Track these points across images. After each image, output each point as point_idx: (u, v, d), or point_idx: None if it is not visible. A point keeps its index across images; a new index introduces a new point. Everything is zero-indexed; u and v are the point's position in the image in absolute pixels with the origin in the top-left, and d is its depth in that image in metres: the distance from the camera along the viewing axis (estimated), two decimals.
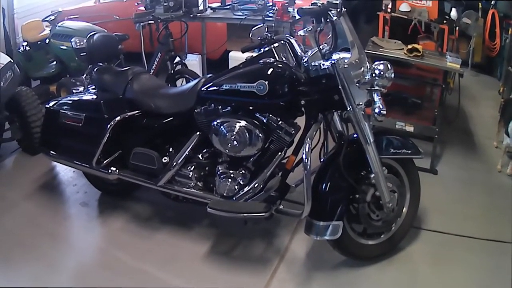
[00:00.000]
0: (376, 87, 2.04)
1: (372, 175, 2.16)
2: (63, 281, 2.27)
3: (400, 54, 3.11)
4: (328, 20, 1.99)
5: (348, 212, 2.21)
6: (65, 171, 3.23)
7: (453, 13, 3.46)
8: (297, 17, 3.27)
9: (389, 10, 3.51)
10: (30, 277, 2.28)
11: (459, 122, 3.87)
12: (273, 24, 2.55)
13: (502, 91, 4.34)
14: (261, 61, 2.15)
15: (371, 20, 3.87)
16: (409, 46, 3.11)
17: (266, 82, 2.09)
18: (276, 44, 2.28)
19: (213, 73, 2.50)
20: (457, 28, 3.59)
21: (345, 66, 2.00)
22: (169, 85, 3.59)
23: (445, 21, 3.48)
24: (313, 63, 2.13)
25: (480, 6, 4.78)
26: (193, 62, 4.38)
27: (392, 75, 2.06)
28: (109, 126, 2.45)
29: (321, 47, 2.16)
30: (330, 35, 2.15)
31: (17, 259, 2.41)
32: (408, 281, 2.26)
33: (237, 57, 4.30)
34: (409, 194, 2.40)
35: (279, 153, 2.25)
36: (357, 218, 2.24)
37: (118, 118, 2.46)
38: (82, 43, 3.38)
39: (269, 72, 2.12)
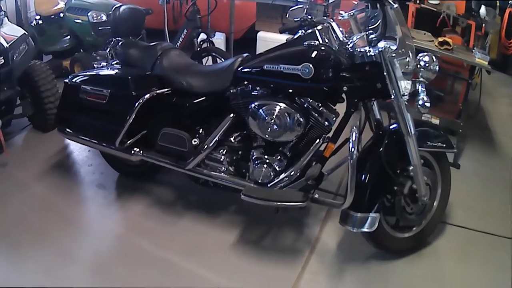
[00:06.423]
0: (421, 79, 2.02)
1: (411, 167, 2.11)
2: (78, 271, 2.14)
3: (431, 46, 3.05)
4: (384, 6, 1.89)
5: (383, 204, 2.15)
6: (79, 150, 3.09)
7: (482, 11, 3.42)
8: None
9: (418, 1, 3.47)
10: (41, 267, 2.15)
11: (478, 117, 3.84)
12: (307, 6, 2.46)
13: None
14: (306, 43, 2.06)
15: None
16: (440, 39, 3.06)
17: (312, 65, 2.01)
18: (319, 27, 2.18)
19: (241, 53, 2.40)
20: (483, 25, 3.54)
21: (392, 54, 1.94)
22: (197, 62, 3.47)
23: (472, 17, 3.44)
24: (358, 49, 2.05)
25: (498, 4, 4.75)
26: (218, 40, 4.21)
27: (437, 68, 2.04)
28: (137, 104, 2.33)
29: (367, 33, 2.08)
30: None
31: (28, 246, 2.27)
32: (435, 277, 2.22)
33: (266, 37, 4.19)
34: (441, 188, 2.35)
35: (318, 140, 2.18)
36: (391, 210, 2.19)
37: (147, 95, 2.34)
38: (99, 17, 3.26)
39: (314, 55, 2.03)
